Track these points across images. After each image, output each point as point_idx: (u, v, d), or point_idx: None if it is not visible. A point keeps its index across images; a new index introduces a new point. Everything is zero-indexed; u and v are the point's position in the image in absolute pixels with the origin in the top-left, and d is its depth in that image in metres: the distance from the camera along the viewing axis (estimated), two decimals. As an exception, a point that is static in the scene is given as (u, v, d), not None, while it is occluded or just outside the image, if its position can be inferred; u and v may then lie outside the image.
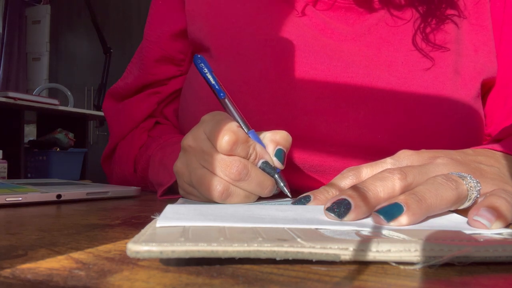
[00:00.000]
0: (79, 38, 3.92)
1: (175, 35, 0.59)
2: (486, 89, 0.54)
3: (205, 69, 0.38)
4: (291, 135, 0.44)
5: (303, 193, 0.33)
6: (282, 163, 0.36)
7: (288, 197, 0.37)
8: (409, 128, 0.48)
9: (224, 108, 0.38)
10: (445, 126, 0.49)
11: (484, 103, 0.55)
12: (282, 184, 0.36)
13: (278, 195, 0.39)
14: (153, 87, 0.62)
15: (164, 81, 0.61)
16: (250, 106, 0.49)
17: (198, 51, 0.57)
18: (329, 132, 0.48)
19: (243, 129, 0.37)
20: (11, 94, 2.20)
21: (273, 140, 0.37)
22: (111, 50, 2.82)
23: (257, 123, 0.48)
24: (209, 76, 0.38)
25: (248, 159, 0.35)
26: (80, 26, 3.90)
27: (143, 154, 0.57)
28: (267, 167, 0.35)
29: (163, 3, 0.60)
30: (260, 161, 0.35)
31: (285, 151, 0.37)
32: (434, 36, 0.51)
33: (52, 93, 3.73)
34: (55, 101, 2.47)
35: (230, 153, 0.34)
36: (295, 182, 0.51)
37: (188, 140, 0.37)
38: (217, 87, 0.38)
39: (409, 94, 0.49)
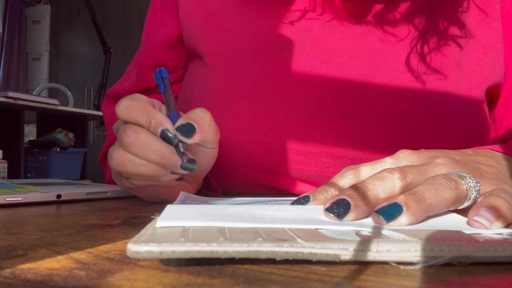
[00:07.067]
0: (79, 38, 3.92)
1: (169, 44, 0.58)
2: (495, 93, 0.53)
3: (158, 70, 0.42)
4: (287, 147, 0.42)
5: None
6: (185, 135, 0.34)
7: (190, 168, 0.35)
8: (410, 140, 0.47)
9: (164, 98, 0.40)
10: (449, 137, 0.48)
11: (493, 107, 0.54)
12: (182, 151, 0.34)
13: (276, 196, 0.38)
14: (148, 94, 0.61)
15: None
16: (242, 117, 0.48)
17: (192, 57, 0.56)
18: (326, 144, 0.48)
19: (169, 109, 0.38)
20: (11, 94, 2.21)
21: (185, 116, 0.35)
22: (111, 50, 2.83)
23: (252, 135, 0.48)
24: (158, 75, 0.42)
25: (148, 128, 0.35)
26: (80, 26, 3.91)
27: None
28: (166, 136, 0.34)
29: (160, 7, 0.59)
30: (160, 129, 0.34)
31: (193, 124, 0.34)
32: (431, 58, 0.49)
33: (52, 93, 3.73)
34: (55, 101, 2.47)
35: (126, 119, 0.35)
36: (293, 189, 0.50)
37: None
38: (160, 83, 0.42)
39: (409, 107, 0.47)
